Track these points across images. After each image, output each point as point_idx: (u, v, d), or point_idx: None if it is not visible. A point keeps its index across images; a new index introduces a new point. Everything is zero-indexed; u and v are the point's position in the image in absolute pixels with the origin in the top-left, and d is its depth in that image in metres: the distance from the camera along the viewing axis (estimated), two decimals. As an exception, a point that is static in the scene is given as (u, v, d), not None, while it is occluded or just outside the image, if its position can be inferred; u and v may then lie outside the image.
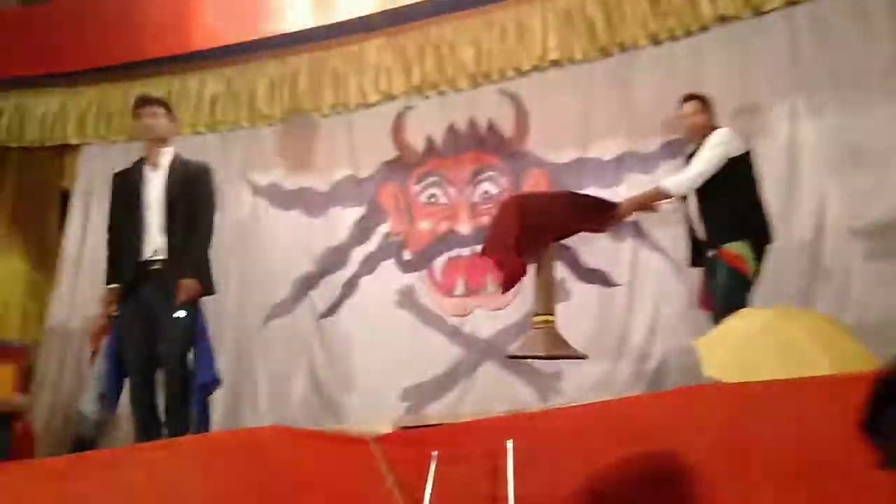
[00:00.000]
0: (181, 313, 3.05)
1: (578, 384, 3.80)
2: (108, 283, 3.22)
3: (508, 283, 3.36)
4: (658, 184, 3.32)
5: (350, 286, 4.38)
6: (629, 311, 3.89)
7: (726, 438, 1.96)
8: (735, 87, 3.83)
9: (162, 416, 3.13)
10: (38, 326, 4.83)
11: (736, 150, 3.18)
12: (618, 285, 3.95)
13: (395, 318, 4.26)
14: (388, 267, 4.36)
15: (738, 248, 3.09)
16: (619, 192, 4.02)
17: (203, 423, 3.10)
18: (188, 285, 3.07)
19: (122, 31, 4.47)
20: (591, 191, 4.07)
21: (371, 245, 4.41)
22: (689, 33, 3.90)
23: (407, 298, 4.28)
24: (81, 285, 4.70)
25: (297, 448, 2.41)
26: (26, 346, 4.63)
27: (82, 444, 3.55)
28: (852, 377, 1.84)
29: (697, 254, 3.36)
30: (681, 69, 3.98)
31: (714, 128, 3.29)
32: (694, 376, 2.76)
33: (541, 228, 3.20)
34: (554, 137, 4.23)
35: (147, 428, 3.10)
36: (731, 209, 3.15)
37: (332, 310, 4.38)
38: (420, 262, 4.32)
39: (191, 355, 3.15)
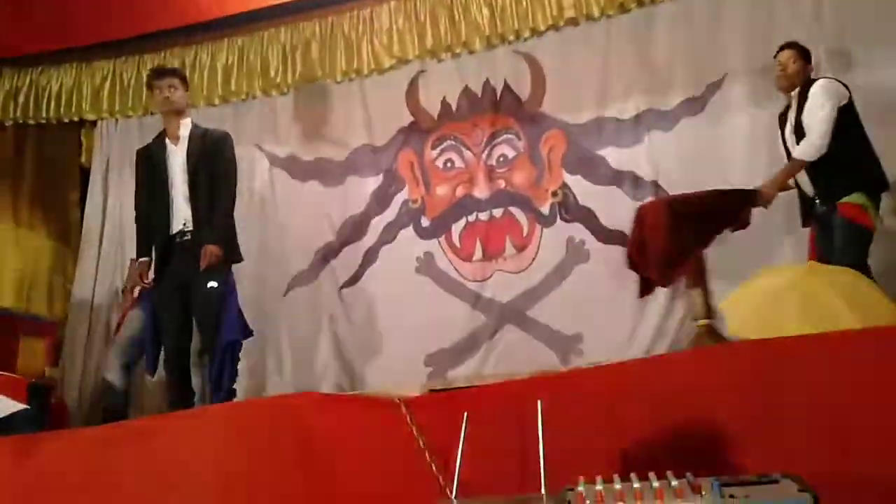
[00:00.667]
0: (213, 283, 3.11)
1: (600, 346, 3.80)
2: (138, 257, 3.27)
3: (646, 293, 3.32)
4: (794, 155, 3.12)
5: (371, 255, 4.38)
6: None
7: (753, 395, 1.95)
8: (757, 42, 3.74)
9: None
10: (63, 301, 4.92)
11: (843, 100, 3.05)
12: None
13: (416, 284, 4.27)
14: (408, 234, 4.36)
15: (857, 200, 2.94)
16: (639, 151, 3.98)
17: (230, 381, 3.16)
18: (211, 251, 3.10)
19: (134, 2, 4.42)
20: (609, 150, 4.04)
21: (390, 213, 4.40)
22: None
23: (426, 265, 4.29)
24: (104, 259, 4.77)
25: (329, 413, 2.43)
26: (55, 320, 4.72)
27: (112, 414, 3.62)
28: (881, 331, 1.82)
29: (807, 213, 3.20)
30: (699, 23, 3.89)
31: (810, 78, 3.15)
32: (715, 336, 2.76)
33: (689, 239, 3.07)
34: (571, 97, 4.17)
35: (182, 393, 3.19)
36: (844, 161, 2.98)
37: (354, 279, 4.39)
38: (438, 227, 4.32)
39: None
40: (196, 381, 3.52)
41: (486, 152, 4.29)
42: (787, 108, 3.25)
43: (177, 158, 3.22)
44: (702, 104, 3.89)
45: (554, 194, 4.13)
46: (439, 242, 4.29)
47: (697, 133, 3.89)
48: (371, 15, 4.38)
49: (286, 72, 4.51)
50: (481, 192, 4.26)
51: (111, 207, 4.85)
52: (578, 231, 4.03)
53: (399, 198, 4.42)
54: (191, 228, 3.17)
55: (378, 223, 4.41)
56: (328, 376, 4.25)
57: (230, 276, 3.24)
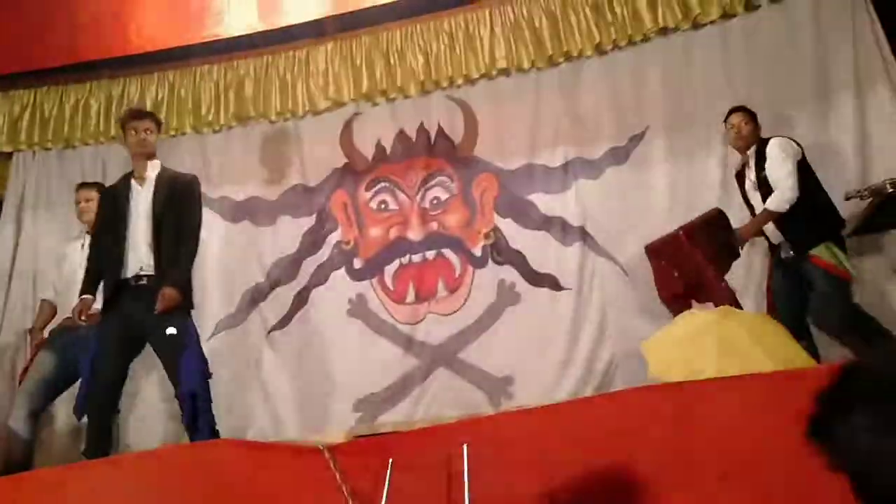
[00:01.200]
0: (172, 330, 2.99)
1: (529, 388, 3.85)
2: (81, 294, 3.12)
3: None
4: (766, 207, 3.30)
5: (302, 297, 4.29)
6: (577, 314, 3.96)
7: (671, 438, 2.02)
8: (672, 99, 3.99)
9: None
10: (-34, 342, 4.59)
11: (798, 155, 3.28)
12: (566, 289, 4.01)
13: (347, 327, 4.21)
14: (340, 276, 4.32)
15: (828, 253, 3.11)
16: (567, 198, 4.10)
17: (210, 424, 3.01)
18: (168, 294, 3.00)
19: (58, 31, 4.27)
20: (538, 196, 4.15)
21: (322, 254, 4.35)
22: (632, 43, 4.03)
23: (358, 307, 4.24)
24: (13, 299, 4.47)
25: (250, 461, 2.38)
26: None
27: (16, 464, 3.36)
28: (794, 374, 1.91)
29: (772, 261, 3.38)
30: (624, 77, 4.10)
31: (761, 137, 3.39)
32: (642, 378, 2.84)
33: (715, 255, 3.25)
34: (502, 143, 4.29)
35: (102, 440, 3.02)
36: (809, 212, 3.19)
37: (284, 322, 4.28)
38: (371, 269, 4.29)
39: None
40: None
41: (419, 195, 4.34)
42: (745, 165, 3.48)
43: (142, 199, 3.14)
44: (625, 154, 4.07)
45: (486, 236, 4.19)
46: (371, 284, 4.26)
47: (622, 182, 4.05)
48: (307, 56, 4.40)
49: (219, 110, 4.45)
50: (415, 234, 4.27)
51: (23, 243, 4.59)
52: (509, 273, 4.09)
53: (332, 238, 4.38)
54: (149, 273, 3.06)
55: (310, 264, 4.34)
56: (254, 422, 4.10)
57: (190, 322, 3.12)
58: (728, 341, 2.57)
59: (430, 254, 4.23)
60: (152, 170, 3.22)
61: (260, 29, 4.16)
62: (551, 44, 4.07)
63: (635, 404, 2.23)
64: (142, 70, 4.56)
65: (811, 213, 3.21)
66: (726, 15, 3.91)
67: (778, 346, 2.62)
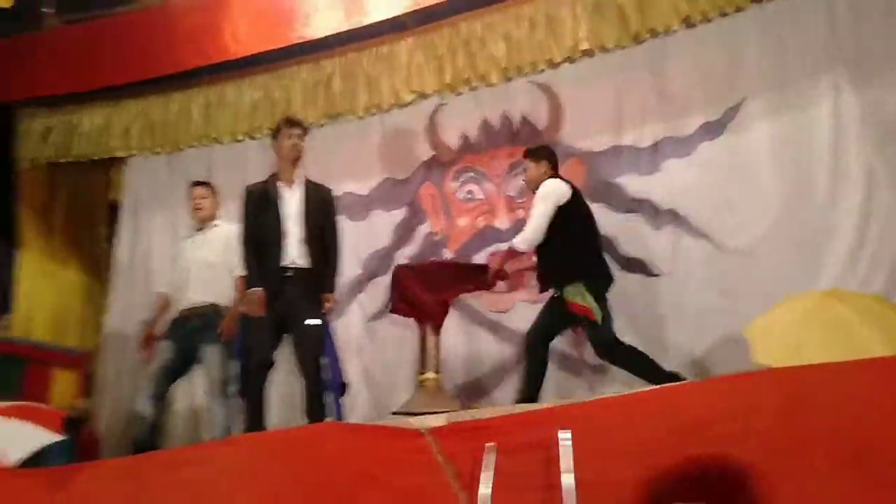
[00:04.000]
0: (316, 321, 3.27)
1: (625, 375, 3.79)
2: (248, 287, 3.39)
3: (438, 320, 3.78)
4: (511, 242, 3.52)
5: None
6: (672, 300, 3.88)
7: (780, 425, 1.95)
8: (772, 65, 3.80)
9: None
10: (94, 333, 5.04)
11: (563, 199, 3.38)
12: (658, 274, 3.94)
13: None
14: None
15: (576, 295, 3.29)
16: (656, 179, 4.00)
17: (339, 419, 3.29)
18: (333, 299, 3.38)
19: (161, 44, 4.58)
20: (627, 178, 4.08)
21: (414, 246, 4.46)
22: (723, 14, 3.86)
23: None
24: (134, 292, 4.87)
25: (354, 442, 2.46)
26: (87, 352, 4.83)
27: (142, 445, 3.67)
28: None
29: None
30: (715, 50, 3.95)
31: (550, 177, 3.49)
32: (745, 364, 2.75)
33: (438, 292, 3.70)
34: (588, 126, 4.23)
35: (255, 421, 3.27)
36: (563, 254, 3.37)
37: (381, 313, 4.41)
38: (461, 259, 4.34)
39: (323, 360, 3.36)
40: (221, 414, 3.59)
41: (505, 183, 4.36)
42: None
43: (292, 200, 3.42)
44: (720, 127, 3.92)
45: (575, 222, 4.16)
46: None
47: (717, 157, 3.91)
48: (390, 51, 4.49)
49: (309, 108, 4.61)
50: (501, 222, 4.31)
51: (140, 241, 4.97)
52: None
53: (422, 230, 4.48)
54: (298, 266, 3.33)
55: (401, 256, 4.46)
56: (357, 407, 4.26)
57: (330, 318, 3.43)
58: (837, 324, 2.47)
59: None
60: (298, 176, 3.48)
61: (345, 28, 4.28)
62: (636, 21, 3.95)
63: (741, 390, 2.16)
64: (238, 75, 4.80)
65: (565, 256, 3.36)
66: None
67: (890, 327, 2.49)
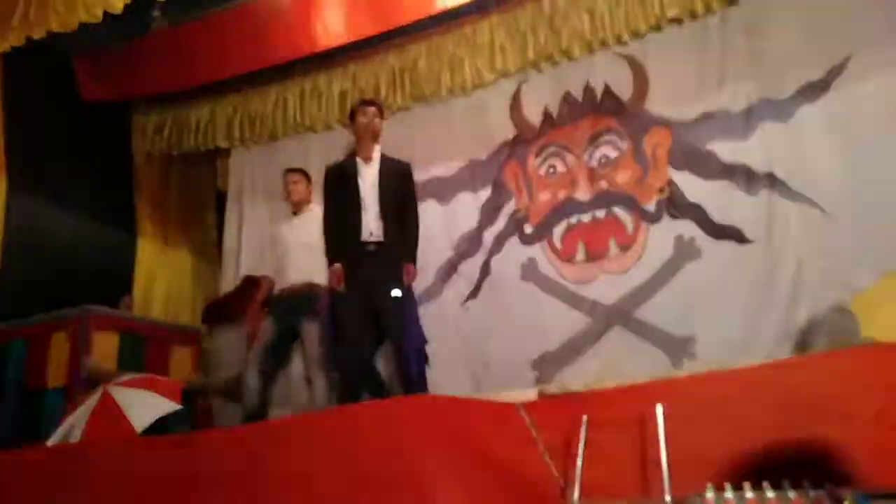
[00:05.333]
0: (398, 293, 3.41)
1: (713, 349, 3.68)
2: (330, 263, 3.59)
3: None
4: None
5: (486, 268, 4.45)
6: (768, 268, 3.72)
7: (891, 404, 1.83)
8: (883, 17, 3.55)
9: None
10: (205, 312, 5.42)
11: None
12: (752, 241, 3.78)
13: (522, 291, 4.30)
14: (513, 243, 4.42)
15: None
16: (751, 143, 3.85)
17: (421, 381, 3.40)
18: (413, 270, 3.50)
19: (257, 39, 4.80)
20: (718, 144, 3.93)
21: (499, 225, 4.47)
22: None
23: (529, 270, 4.31)
24: (241, 273, 5.18)
25: (453, 414, 2.48)
26: (199, 329, 5.22)
27: (252, 415, 3.93)
28: None
29: None
30: (820, 3, 3.75)
31: None
32: (851, 339, 2.61)
33: None
34: (675, 94, 4.10)
35: (351, 394, 3.44)
36: None
37: (474, 293, 4.46)
38: (540, 232, 4.33)
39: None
40: (322, 387, 3.79)
41: (587, 154, 4.29)
42: None
43: (369, 176, 3.59)
44: (823, 87, 3.71)
45: (660, 191, 4.05)
46: (542, 247, 4.30)
47: (818, 118, 3.71)
48: (473, 31, 4.52)
49: (395, 94, 4.73)
50: (583, 194, 4.24)
51: (245, 226, 5.28)
52: (687, 227, 3.92)
53: (507, 209, 4.48)
54: (377, 239, 3.49)
55: (489, 236, 4.48)
56: (457, 382, 4.19)
57: (411, 290, 3.54)
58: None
59: (600, 213, 4.18)
60: (376, 152, 3.64)
61: (430, 13, 4.31)
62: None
63: (849, 366, 2.04)
64: (328, 65, 4.98)
65: None
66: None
67: None
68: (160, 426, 3.51)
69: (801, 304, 3.60)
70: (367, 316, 3.48)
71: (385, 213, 3.49)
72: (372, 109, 3.66)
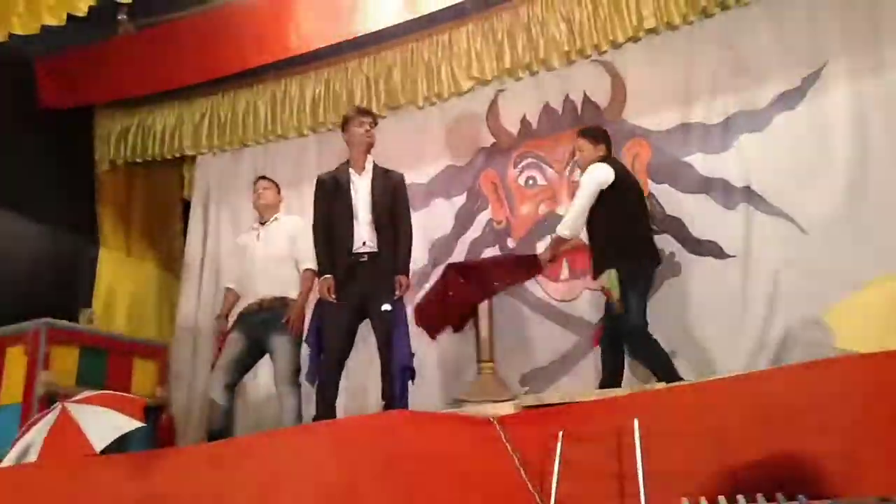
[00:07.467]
0: (388, 307, 3.34)
1: (694, 363, 3.65)
2: (320, 274, 3.50)
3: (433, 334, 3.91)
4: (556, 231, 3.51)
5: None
6: (746, 282, 3.70)
7: (867, 414, 1.84)
8: (860, 20, 3.59)
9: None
10: (170, 325, 5.25)
11: (606, 182, 3.34)
12: (731, 256, 3.77)
13: (504, 306, 4.19)
14: (493, 253, 4.34)
15: (607, 279, 3.27)
16: (729, 156, 3.85)
17: (403, 403, 3.28)
18: (405, 282, 3.43)
19: (227, 44, 4.69)
20: (696, 157, 3.94)
21: (474, 232, 4.42)
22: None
23: (515, 286, 4.19)
24: (205, 285, 5.03)
25: (423, 430, 2.48)
26: (164, 343, 5.04)
27: (216, 431, 3.79)
28: None
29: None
30: (796, 13, 3.76)
31: (600, 159, 3.44)
32: (824, 351, 2.60)
33: (463, 298, 3.73)
34: (653, 105, 4.09)
35: (328, 407, 3.35)
36: (605, 239, 3.36)
37: None
38: (524, 248, 4.27)
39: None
40: (292, 403, 3.65)
41: (568, 168, 4.26)
42: None
43: (361, 186, 3.52)
44: (799, 96, 3.72)
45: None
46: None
47: (795, 129, 3.71)
48: (449, 38, 4.47)
49: (370, 100, 4.64)
50: (565, 209, 4.15)
51: (210, 236, 5.14)
52: (667, 242, 3.89)
53: (483, 217, 4.43)
54: (370, 249, 3.43)
55: (463, 243, 4.44)
56: (429, 394, 4.12)
57: (402, 303, 3.45)
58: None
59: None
60: (369, 163, 3.58)
61: (405, 19, 4.26)
62: (704, -7, 3.79)
63: (824, 377, 2.06)
64: (300, 70, 4.88)
65: (602, 239, 3.38)
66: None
67: None
68: (121, 445, 3.36)
69: (776, 316, 3.60)
70: (352, 327, 3.44)
71: (378, 223, 3.45)
72: (368, 120, 3.62)
